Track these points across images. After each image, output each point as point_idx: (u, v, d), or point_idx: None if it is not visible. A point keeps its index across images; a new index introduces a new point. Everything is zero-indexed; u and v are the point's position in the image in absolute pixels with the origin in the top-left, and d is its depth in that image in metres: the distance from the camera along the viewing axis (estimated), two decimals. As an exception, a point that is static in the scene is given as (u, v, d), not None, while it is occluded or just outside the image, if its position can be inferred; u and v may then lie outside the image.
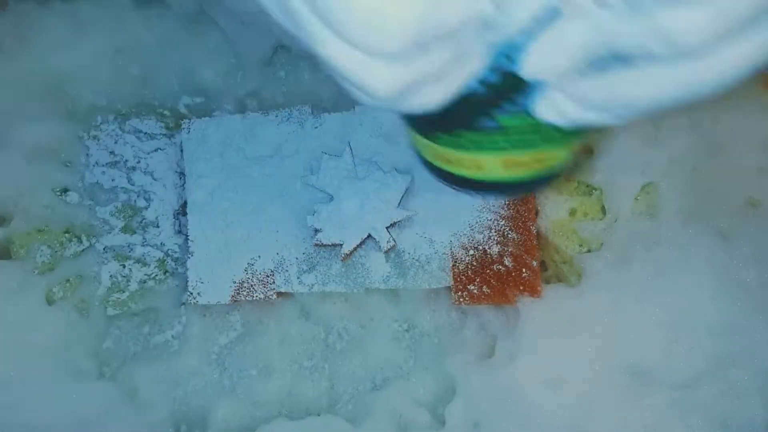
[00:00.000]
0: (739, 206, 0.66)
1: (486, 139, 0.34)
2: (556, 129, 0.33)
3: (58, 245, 0.72)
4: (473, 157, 0.35)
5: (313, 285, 0.69)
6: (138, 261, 0.72)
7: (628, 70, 0.27)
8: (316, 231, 0.68)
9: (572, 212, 0.69)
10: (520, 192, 0.37)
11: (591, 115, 0.29)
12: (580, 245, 0.68)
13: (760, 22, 0.25)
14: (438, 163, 0.39)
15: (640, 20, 0.25)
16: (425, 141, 0.37)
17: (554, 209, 0.68)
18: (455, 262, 0.67)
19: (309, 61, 0.74)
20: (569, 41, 0.27)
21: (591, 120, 0.30)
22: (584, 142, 0.35)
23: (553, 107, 0.30)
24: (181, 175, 0.74)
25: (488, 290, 0.66)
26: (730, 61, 0.26)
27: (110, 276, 0.72)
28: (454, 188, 0.40)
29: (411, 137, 0.40)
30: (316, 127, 0.70)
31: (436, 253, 0.68)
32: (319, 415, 0.70)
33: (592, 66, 0.28)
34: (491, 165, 0.35)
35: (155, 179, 0.74)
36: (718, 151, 0.67)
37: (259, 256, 0.70)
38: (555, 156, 0.36)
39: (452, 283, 0.67)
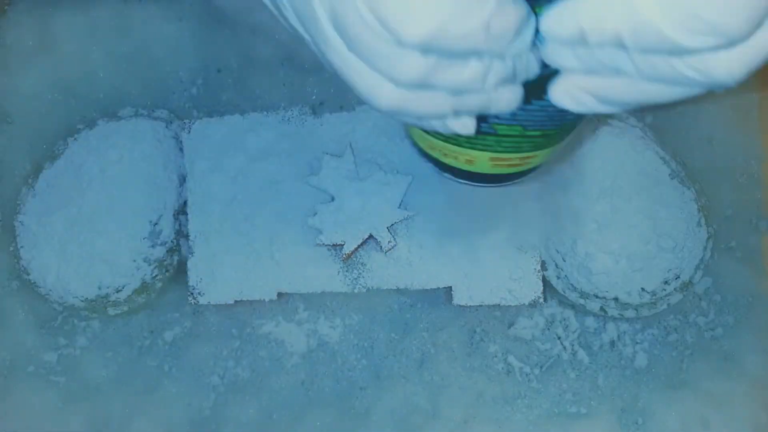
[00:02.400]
0: None
1: (480, 140, 0.39)
2: (543, 136, 0.38)
3: (57, 245, 0.72)
4: (466, 152, 0.41)
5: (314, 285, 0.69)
6: (138, 261, 0.72)
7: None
8: (317, 231, 0.68)
9: None
10: (503, 182, 0.45)
11: (601, 107, 0.32)
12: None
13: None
14: (433, 153, 0.44)
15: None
16: (423, 134, 0.42)
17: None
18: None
19: (316, 72, 0.74)
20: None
21: (600, 108, 0.32)
22: (563, 144, 0.43)
23: (568, 95, 0.32)
24: (182, 174, 0.73)
25: None
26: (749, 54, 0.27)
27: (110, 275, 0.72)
28: (444, 175, 0.46)
29: (407, 127, 0.45)
30: (317, 128, 0.71)
31: (437, 252, 0.68)
32: (322, 412, 0.70)
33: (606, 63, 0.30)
34: (481, 161, 0.41)
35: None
36: None
37: (260, 256, 0.70)
38: (538, 158, 0.42)
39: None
